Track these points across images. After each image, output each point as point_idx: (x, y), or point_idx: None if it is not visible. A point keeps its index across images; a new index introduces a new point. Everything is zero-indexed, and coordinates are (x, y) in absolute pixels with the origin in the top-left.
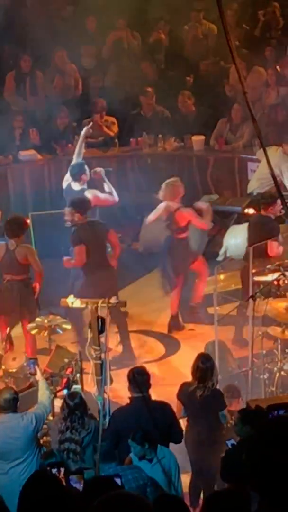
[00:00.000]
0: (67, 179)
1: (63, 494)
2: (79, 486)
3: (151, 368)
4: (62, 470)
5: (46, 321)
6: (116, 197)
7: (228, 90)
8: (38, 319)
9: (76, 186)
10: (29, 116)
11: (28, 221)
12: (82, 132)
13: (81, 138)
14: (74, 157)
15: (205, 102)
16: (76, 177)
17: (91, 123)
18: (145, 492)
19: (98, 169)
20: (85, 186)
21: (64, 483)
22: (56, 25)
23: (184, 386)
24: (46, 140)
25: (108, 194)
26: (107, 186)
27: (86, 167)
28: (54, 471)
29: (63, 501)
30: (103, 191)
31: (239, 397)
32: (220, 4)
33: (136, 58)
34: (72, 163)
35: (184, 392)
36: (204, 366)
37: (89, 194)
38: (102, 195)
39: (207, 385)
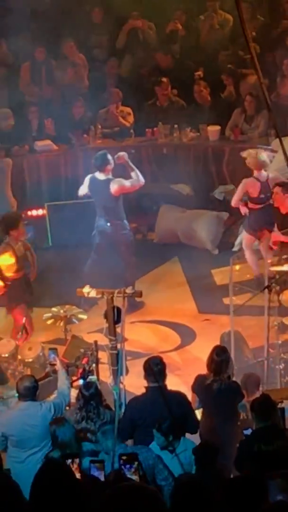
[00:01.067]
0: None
1: (74, 484)
2: (100, 474)
3: (167, 358)
4: (77, 461)
5: (62, 311)
6: (142, 179)
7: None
8: (54, 309)
9: (101, 176)
10: (44, 107)
11: (44, 211)
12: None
13: None
14: None
15: (220, 92)
16: (101, 168)
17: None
18: (153, 471)
19: (121, 153)
20: (110, 176)
21: (79, 474)
22: (68, 15)
23: (200, 378)
24: (62, 130)
25: (134, 179)
26: (131, 170)
27: (109, 156)
28: (68, 462)
29: (73, 491)
30: (126, 175)
31: (258, 386)
32: None
33: (151, 48)
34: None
35: (200, 385)
36: (219, 358)
37: (115, 184)
38: (127, 183)
39: (222, 377)
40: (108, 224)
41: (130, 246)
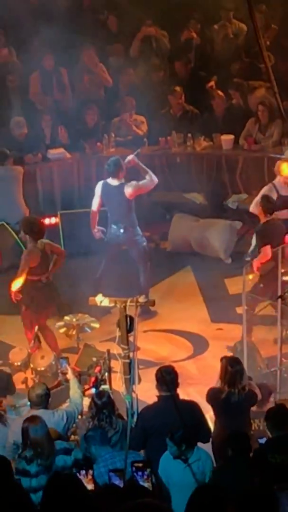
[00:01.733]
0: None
1: (83, 495)
2: (120, 482)
3: (180, 367)
4: (91, 471)
5: (74, 319)
6: (155, 178)
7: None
8: (66, 317)
9: (114, 182)
10: (57, 115)
11: (57, 219)
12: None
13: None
14: None
15: (233, 102)
16: (114, 174)
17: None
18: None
19: (130, 156)
20: (123, 181)
21: (92, 484)
22: (84, 23)
23: (214, 391)
24: (75, 138)
25: (147, 179)
26: (143, 171)
27: (122, 162)
28: (82, 472)
29: (82, 502)
30: (138, 177)
31: (270, 396)
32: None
33: (165, 57)
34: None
35: (216, 398)
36: (233, 369)
37: (129, 188)
38: (141, 184)
39: (238, 388)
40: (122, 230)
41: (143, 253)
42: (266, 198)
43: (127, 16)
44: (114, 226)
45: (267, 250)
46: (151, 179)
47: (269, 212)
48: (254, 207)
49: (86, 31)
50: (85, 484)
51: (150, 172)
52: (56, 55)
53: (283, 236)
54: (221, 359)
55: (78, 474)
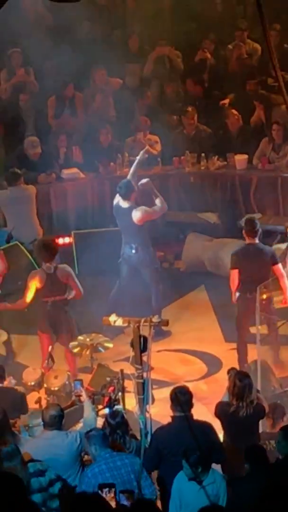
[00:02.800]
0: (117, 197)
1: None
2: (128, 503)
3: (194, 387)
4: (113, 490)
5: (88, 339)
6: (165, 205)
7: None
8: (80, 337)
9: (125, 204)
10: (72, 135)
11: (71, 239)
12: (138, 157)
13: (135, 162)
14: (128, 177)
15: (248, 121)
16: (126, 196)
17: (147, 147)
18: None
19: (144, 180)
20: (133, 203)
21: (115, 503)
22: (100, 45)
23: (223, 405)
24: (89, 158)
25: (157, 205)
26: (155, 196)
27: (133, 184)
28: (105, 490)
29: None
30: (149, 202)
31: (284, 416)
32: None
33: (179, 76)
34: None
35: (224, 412)
36: (242, 383)
37: (138, 212)
38: (151, 210)
39: (246, 401)
40: (133, 251)
41: (155, 274)
42: (250, 222)
43: (141, 36)
44: (126, 246)
45: (234, 275)
46: (161, 205)
47: (252, 235)
48: None
49: (100, 51)
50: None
51: (161, 198)
52: (72, 76)
53: (256, 265)
54: (228, 371)
55: (100, 493)
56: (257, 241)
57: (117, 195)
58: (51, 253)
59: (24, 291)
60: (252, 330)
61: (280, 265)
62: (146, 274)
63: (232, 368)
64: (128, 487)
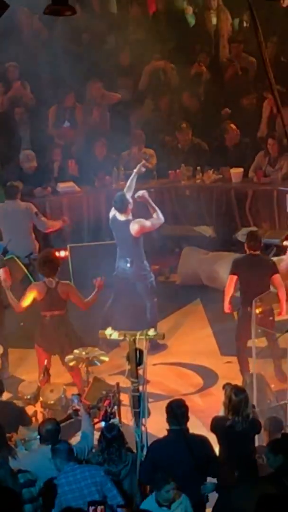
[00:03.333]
0: (113, 210)
1: None
2: None
3: (189, 401)
4: (100, 508)
5: (84, 353)
6: (161, 218)
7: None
8: (76, 351)
9: (121, 217)
10: (68, 148)
11: (67, 253)
12: (135, 170)
13: (132, 175)
14: (125, 190)
15: (244, 134)
16: (122, 209)
17: (143, 161)
18: (102, 489)
19: (141, 192)
20: (130, 217)
21: None
22: (94, 57)
23: (218, 419)
24: (85, 171)
25: (154, 218)
26: (152, 209)
27: (128, 196)
28: (91, 508)
29: None
30: (146, 214)
31: (282, 430)
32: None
33: (173, 90)
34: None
35: (220, 426)
36: (237, 398)
37: (135, 225)
38: (148, 223)
39: (243, 416)
40: (128, 265)
41: (150, 288)
42: (251, 235)
43: (136, 50)
44: (121, 260)
45: (231, 281)
46: (158, 218)
47: (253, 249)
48: None
49: (96, 64)
50: None
51: (158, 211)
52: (68, 89)
53: (256, 275)
54: (224, 387)
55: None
56: (258, 253)
57: (113, 208)
58: (53, 268)
59: (21, 298)
60: (248, 343)
61: (279, 275)
62: (141, 287)
63: (228, 383)
64: (88, 500)
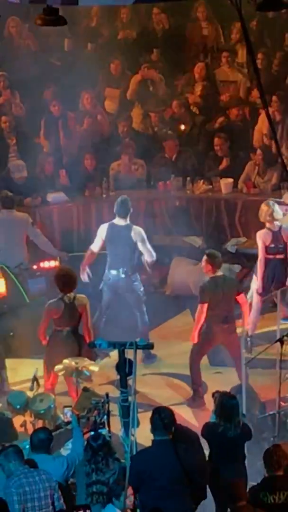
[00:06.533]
0: (104, 225)
1: None
2: None
3: (178, 411)
4: None
5: (73, 362)
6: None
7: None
8: (65, 360)
9: (121, 222)
10: (58, 158)
11: (57, 263)
12: None
13: None
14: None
15: (234, 146)
16: (125, 214)
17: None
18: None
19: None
20: (128, 222)
21: None
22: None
23: (209, 426)
24: (75, 182)
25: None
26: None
27: (130, 203)
28: None
29: None
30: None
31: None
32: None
33: (161, 100)
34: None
35: (211, 432)
36: (229, 404)
37: (138, 229)
38: (148, 248)
39: (234, 422)
40: (123, 275)
41: (141, 297)
42: (213, 254)
43: (124, 59)
44: (113, 272)
45: (203, 308)
46: (151, 254)
47: (217, 267)
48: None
49: (87, 74)
50: None
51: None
52: (62, 99)
53: (224, 295)
54: (213, 395)
55: None
56: (220, 273)
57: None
58: (71, 283)
59: (40, 325)
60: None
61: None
62: (132, 298)
63: (217, 391)
64: (42, 504)
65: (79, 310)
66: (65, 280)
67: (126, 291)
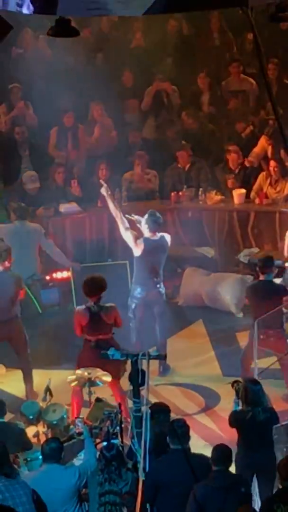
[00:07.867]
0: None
1: None
2: None
3: (191, 421)
4: None
5: (86, 373)
6: None
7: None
8: (78, 371)
9: (154, 237)
10: (70, 168)
11: (69, 273)
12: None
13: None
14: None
15: (245, 156)
16: (159, 228)
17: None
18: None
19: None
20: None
21: None
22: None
23: (237, 413)
24: (87, 192)
25: None
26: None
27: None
28: None
29: None
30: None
31: None
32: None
33: (175, 112)
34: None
35: (240, 419)
36: (256, 388)
37: (169, 236)
38: None
39: (263, 406)
40: (158, 285)
41: (165, 304)
42: (264, 260)
43: (139, 71)
44: (150, 283)
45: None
46: None
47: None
48: None
49: (99, 86)
50: None
51: None
52: (74, 109)
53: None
54: (233, 384)
55: None
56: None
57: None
58: (96, 289)
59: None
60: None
61: None
62: (159, 309)
63: (236, 381)
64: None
65: (107, 320)
66: (91, 284)
67: (156, 302)
